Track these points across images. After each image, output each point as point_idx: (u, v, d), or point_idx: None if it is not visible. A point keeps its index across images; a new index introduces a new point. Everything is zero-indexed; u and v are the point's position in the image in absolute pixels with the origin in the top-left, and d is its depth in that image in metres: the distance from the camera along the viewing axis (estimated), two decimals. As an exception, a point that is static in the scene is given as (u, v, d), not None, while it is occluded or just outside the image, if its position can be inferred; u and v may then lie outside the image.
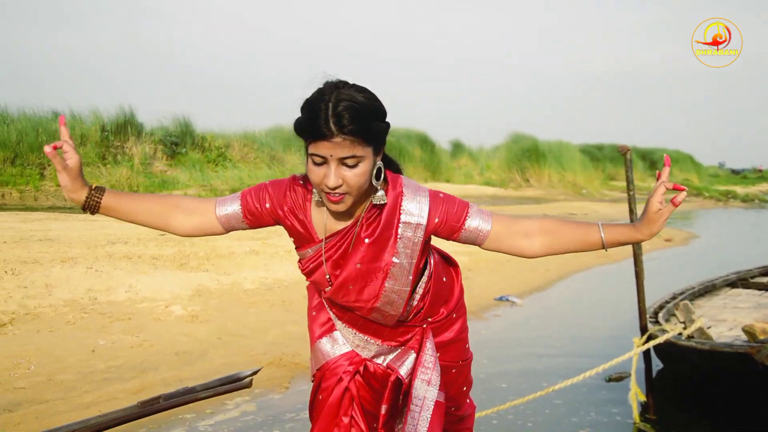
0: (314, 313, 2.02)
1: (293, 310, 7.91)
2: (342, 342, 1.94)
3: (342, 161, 1.68)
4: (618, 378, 6.02)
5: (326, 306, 1.95)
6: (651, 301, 6.65)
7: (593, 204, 28.71)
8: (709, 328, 5.56)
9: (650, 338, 5.02)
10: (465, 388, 2.16)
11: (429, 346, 1.93)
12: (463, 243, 1.91)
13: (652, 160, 50.63)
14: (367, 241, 1.80)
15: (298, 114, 1.70)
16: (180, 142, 23.73)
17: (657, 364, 6.21)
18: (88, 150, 21.34)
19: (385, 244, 1.81)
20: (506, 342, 7.38)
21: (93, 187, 1.81)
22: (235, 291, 8.40)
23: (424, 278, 1.95)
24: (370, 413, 1.94)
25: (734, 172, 75.76)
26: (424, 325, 1.92)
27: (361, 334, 1.91)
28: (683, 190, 1.82)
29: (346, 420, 1.93)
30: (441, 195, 1.88)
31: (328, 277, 1.83)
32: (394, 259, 1.81)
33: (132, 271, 8.52)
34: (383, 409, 1.94)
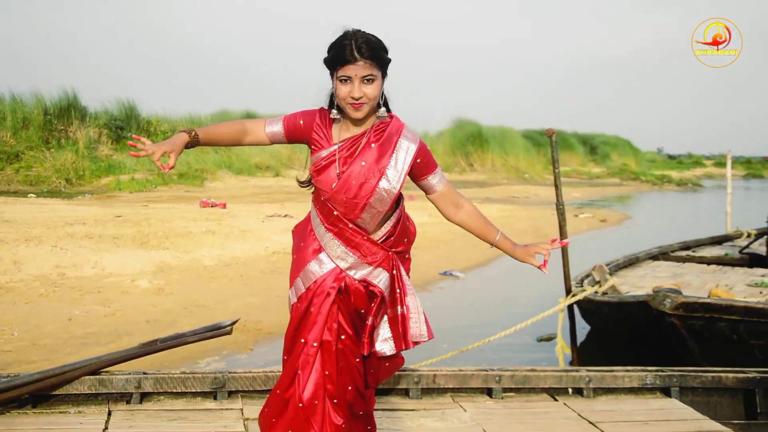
0: (302, 244, 2.59)
1: (250, 285, 8.45)
2: (327, 261, 2.50)
3: (363, 79, 2.35)
4: (548, 338, 6.74)
5: (319, 223, 2.53)
6: (582, 272, 7.40)
7: (535, 187, 29.70)
8: (627, 293, 6.31)
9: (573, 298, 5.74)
10: None
11: (403, 270, 2.57)
12: (419, 187, 2.59)
13: (592, 146, 52.06)
14: (373, 145, 2.45)
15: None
16: (125, 126, 23.42)
17: (584, 327, 6.97)
18: (31, 134, 20.93)
19: (386, 150, 2.46)
20: (449, 311, 8.05)
21: (191, 133, 2.42)
22: (195, 267, 8.87)
23: (397, 211, 2.58)
24: (353, 323, 2.53)
25: (671, 157, 78.21)
26: (390, 252, 2.52)
27: (344, 247, 2.48)
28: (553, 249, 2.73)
29: (335, 326, 2.50)
30: (424, 146, 2.57)
31: (338, 172, 2.44)
32: (389, 166, 2.45)
33: (95, 249, 8.92)
34: (369, 320, 2.52)
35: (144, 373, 3.50)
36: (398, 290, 2.54)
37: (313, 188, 2.60)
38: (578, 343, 6.06)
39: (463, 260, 11.28)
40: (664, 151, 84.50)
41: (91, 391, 3.40)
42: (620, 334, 5.70)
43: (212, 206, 15.01)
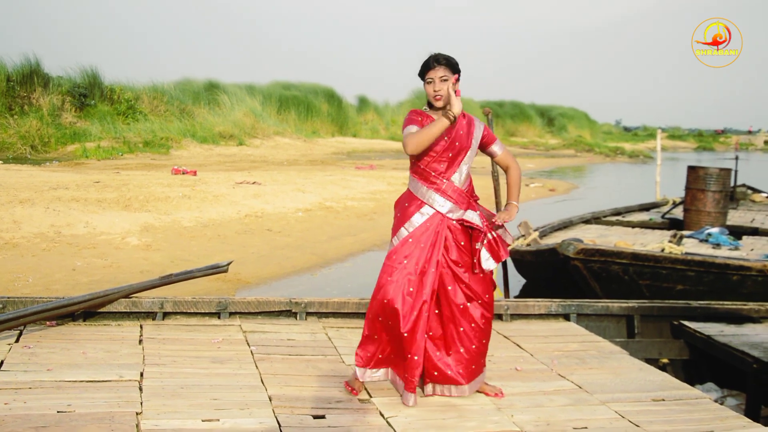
0: (406, 204, 3.59)
1: (227, 243, 9.46)
2: (427, 211, 3.53)
3: (440, 78, 3.48)
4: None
5: (420, 186, 3.53)
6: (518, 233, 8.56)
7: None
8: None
9: (506, 251, 6.88)
10: None
11: (482, 209, 3.63)
12: (486, 154, 3.70)
13: (550, 117, 53.52)
14: (463, 122, 3.59)
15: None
16: (88, 94, 23.76)
17: (520, 280, 8.14)
18: (-6, 100, 21.15)
19: (470, 125, 3.58)
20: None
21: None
22: (176, 227, 9.84)
23: (469, 173, 3.62)
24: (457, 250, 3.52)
25: (627, 129, 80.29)
26: (471, 200, 3.60)
27: (442, 197, 3.53)
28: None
29: (435, 254, 3.50)
30: (486, 126, 3.70)
31: (446, 138, 3.49)
32: (473, 137, 3.58)
33: (84, 211, 9.83)
34: (477, 245, 3.51)
35: (165, 298, 4.53)
36: (485, 223, 3.59)
37: (412, 165, 3.62)
38: (512, 292, 7.22)
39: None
40: (622, 123, 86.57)
41: (126, 310, 4.43)
42: (541, 277, 6.88)
43: (183, 173, 15.85)
